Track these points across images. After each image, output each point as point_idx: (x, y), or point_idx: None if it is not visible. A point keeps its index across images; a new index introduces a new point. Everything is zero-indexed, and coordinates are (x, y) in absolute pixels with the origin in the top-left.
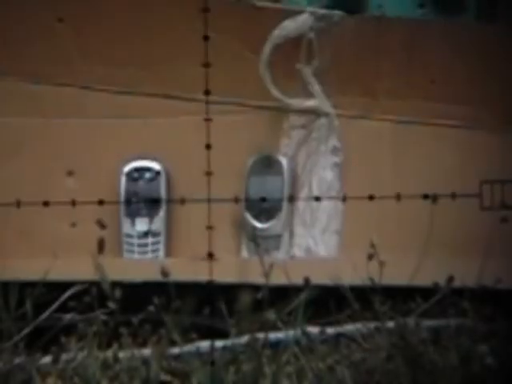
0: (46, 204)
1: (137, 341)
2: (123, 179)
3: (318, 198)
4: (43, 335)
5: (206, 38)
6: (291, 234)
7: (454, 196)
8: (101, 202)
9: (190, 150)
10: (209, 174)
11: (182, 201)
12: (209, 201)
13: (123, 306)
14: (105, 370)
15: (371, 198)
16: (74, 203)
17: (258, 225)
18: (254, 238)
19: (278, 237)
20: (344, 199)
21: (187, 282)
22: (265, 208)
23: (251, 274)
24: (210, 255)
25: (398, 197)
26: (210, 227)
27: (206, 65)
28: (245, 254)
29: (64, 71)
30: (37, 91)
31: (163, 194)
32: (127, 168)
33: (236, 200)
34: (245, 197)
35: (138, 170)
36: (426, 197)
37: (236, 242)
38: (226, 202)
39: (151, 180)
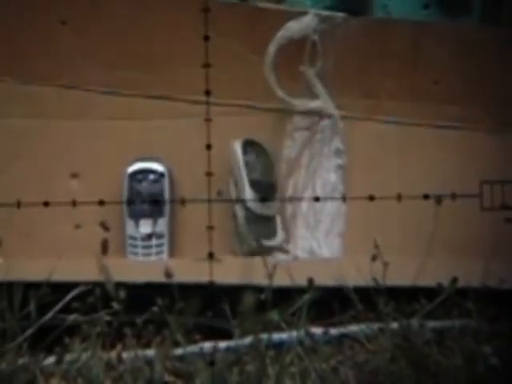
0: (46, 204)
1: (141, 342)
2: (126, 181)
3: (317, 199)
4: (47, 336)
5: (206, 38)
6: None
7: (454, 196)
8: (102, 203)
9: (193, 152)
10: (209, 174)
11: (183, 201)
12: (209, 201)
13: (126, 306)
14: (108, 371)
15: (372, 198)
16: (74, 204)
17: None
18: (258, 239)
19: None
20: (344, 199)
21: (190, 283)
22: None
23: (255, 275)
24: (211, 255)
25: (399, 197)
26: (210, 227)
27: (206, 65)
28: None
29: (66, 73)
30: (39, 93)
31: (167, 195)
32: (130, 169)
33: (236, 200)
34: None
35: (141, 171)
36: (426, 197)
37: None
38: (226, 202)
39: (155, 182)
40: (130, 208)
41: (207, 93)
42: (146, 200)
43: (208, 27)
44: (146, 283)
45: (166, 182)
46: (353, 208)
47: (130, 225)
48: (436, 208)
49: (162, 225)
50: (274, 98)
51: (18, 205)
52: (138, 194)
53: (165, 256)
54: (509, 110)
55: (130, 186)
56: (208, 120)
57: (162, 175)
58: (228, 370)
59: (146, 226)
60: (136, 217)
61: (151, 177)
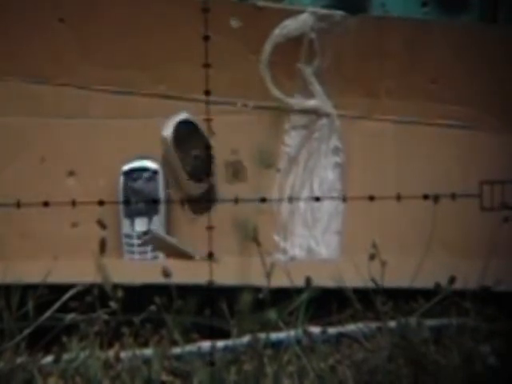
0: (46, 204)
1: (138, 341)
2: (121, 179)
3: (318, 198)
4: (45, 335)
5: (206, 37)
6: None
7: (454, 196)
8: (102, 203)
9: None
10: (208, 174)
11: (182, 202)
12: (209, 201)
13: (124, 306)
14: (106, 370)
15: (371, 198)
16: (74, 204)
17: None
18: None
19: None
20: (344, 199)
21: (188, 284)
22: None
23: (253, 275)
24: (210, 255)
25: (398, 197)
26: (210, 227)
27: (206, 65)
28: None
29: (64, 71)
30: (37, 91)
31: (161, 193)
32: (125, 168)
33: (236, 200)
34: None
35: (135, 170)
36: (426, 197)
37: (237, 242)
38: (226, 202)
39: (149, 180)
40: (125, 206)
41: (207, 92)
42: (141, 198)
43: (208, 27)
44: (143, 285)
45: (160, 179)
46: (351, 207)
47: (125, 223)
48: (434, 208)
49: (158, 222)
50: (272, 97)
51: (18, 204)
52: (133, 193)
53: (161, 254)
54: (509, 109)
55: (125, 185)
56: (208, 120)
57: (155, 173)
58: (226, 369)
59: (141, 224)
60: (131, 215)
61: (145, 175)
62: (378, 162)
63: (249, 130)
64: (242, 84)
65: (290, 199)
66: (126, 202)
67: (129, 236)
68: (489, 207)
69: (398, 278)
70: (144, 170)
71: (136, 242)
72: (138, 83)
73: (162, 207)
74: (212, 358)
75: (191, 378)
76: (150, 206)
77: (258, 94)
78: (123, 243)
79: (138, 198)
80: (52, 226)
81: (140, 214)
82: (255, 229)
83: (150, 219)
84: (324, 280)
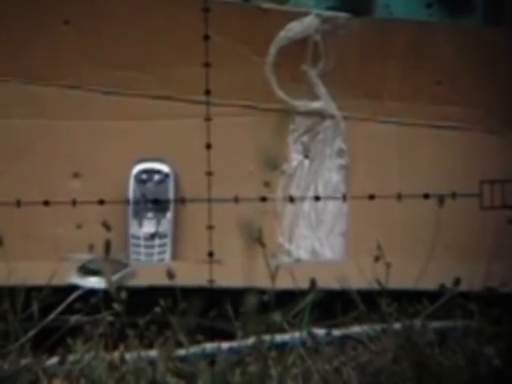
0: (46, 203)
1: (143, 342)
2: (132, 180)
3: (318, 198)
4: (50, 337)
5: (206, 37)
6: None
7: (454, 196)
8: (102, 202)
9: (196, 152)
10: (209, 174)
11: (183, 201)
12: (209, 201)
13: (129, 309)
14: (111, 372)
15: (371, 197)
16: (74, 203)
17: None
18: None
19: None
20: (345, 199)
21: (192, 286)
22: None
23: (257, 277)
24: (211, 254)
25: (399, 197)
26: (210, 227)
27: (206, 65)
28: None
29: (68, 73)
30: (41, 93)
31: (171, 196)
32: (136, 170)
33: (236, 200)
34: None
35: (146, 171)
36: (426, 196)
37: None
38: (227, 202)
39: (160, 182)
40: (134, 207)
41: (207, 92)
42: (150, 200)
43: (208, 27)
44: (148, 287)
45: (170, 182)
46: (355, 209)
47: (133, 224)
48: (437, 208)
49: (166, 225)
50: (276, 99)
51: (18, 204)
52: (143, 194)
53: (167, 257)
54: (509, 110)
55: (135, 186)
56: (208, 120)
57: (166, 176)
58: (230, 370)
59: (149, 226)
60: (140, 216)
61: (156, 177)
62: (382, 164)
63: (254, 133)
64: (246, 86)
65: (292, 199)
66: (132, 202)
67: (136, 237)
68: (489, 206)
69: (402, 279)
70: (155, 172)
71: (142, 243)
72: (142, 84)
73: (170, 209)
74: (216, 359)
75: (196, 380)
76: (158, 207)
77: (262, 96)
78: (130, 244)
79: (147, 200)
80: (57, 228)
81: (148, 215)
82: (260, 230)
83: (159, 221)
84: (329, 282)
